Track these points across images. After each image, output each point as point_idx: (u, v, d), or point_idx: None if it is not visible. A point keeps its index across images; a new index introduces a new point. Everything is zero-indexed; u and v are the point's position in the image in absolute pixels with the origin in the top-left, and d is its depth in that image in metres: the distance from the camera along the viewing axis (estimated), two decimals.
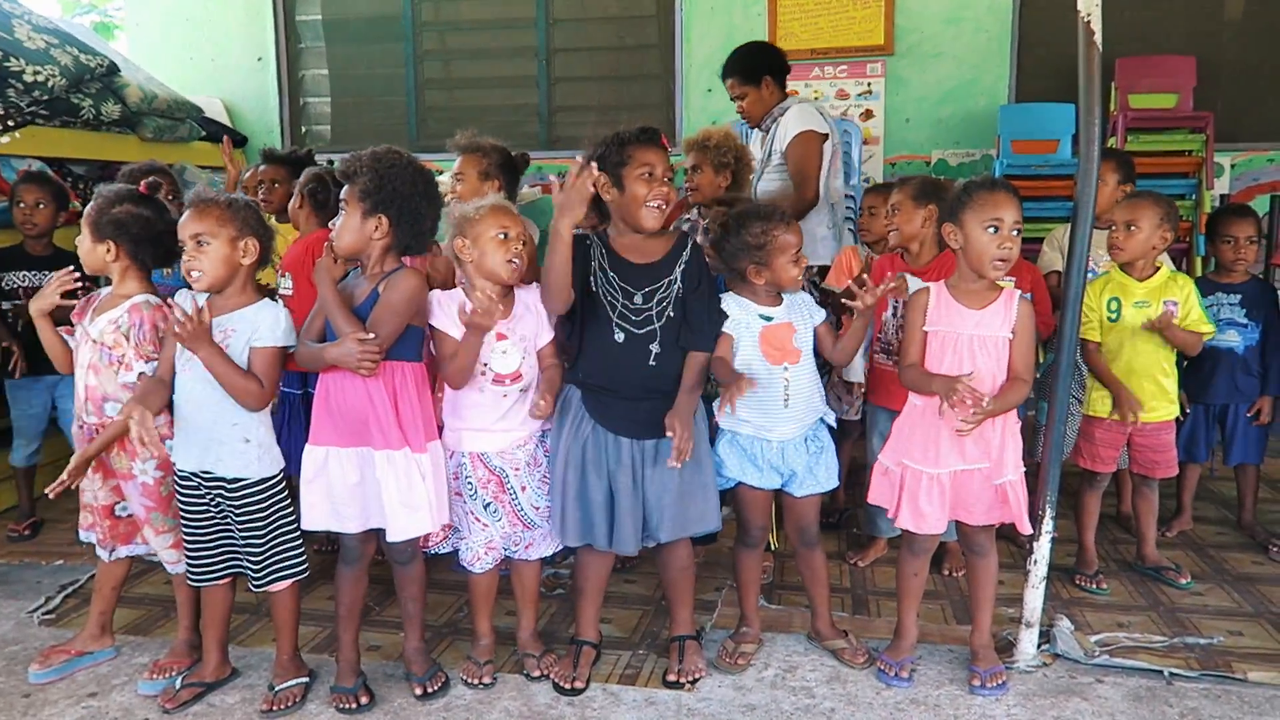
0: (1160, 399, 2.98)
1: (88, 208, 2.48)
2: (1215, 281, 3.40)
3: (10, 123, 3.41)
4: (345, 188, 2.34)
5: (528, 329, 2.45)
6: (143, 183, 2.53)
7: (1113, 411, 2.98)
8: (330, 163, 3.75)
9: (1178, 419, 3.09)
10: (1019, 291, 2.47)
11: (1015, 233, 2.33)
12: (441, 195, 3.15)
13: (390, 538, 2.35)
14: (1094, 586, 3.02)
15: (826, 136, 3.49)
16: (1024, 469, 2.44)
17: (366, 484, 2.33)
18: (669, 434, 2.31)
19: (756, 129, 3.75)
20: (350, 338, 2.23)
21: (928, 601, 2.86)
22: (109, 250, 2.44)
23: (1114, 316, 2.97)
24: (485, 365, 2.41)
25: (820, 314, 2.58)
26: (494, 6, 5.91)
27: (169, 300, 2.40)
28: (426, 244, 2.45)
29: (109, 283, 2.56)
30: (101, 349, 2.42)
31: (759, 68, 3.61)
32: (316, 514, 2.37)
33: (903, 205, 3.00)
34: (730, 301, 2.53)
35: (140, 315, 2.43)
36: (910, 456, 2.46)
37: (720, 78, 3.75)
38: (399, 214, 2.31)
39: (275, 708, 2.39)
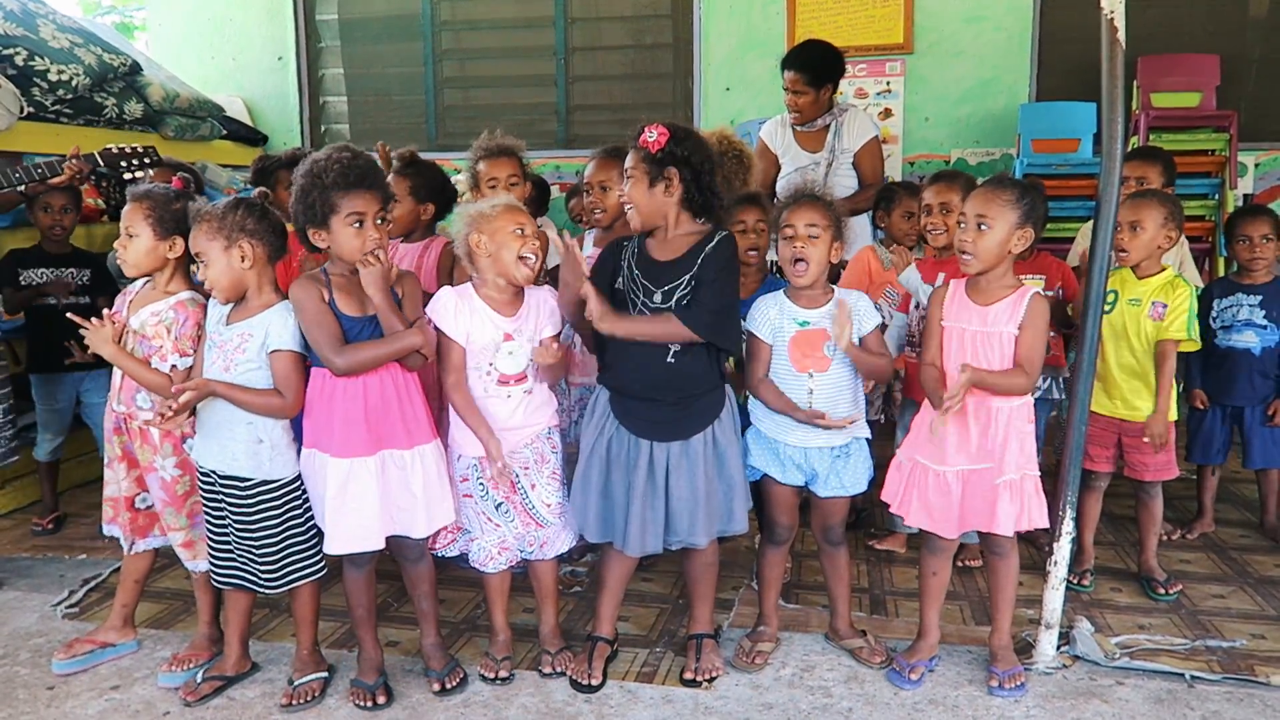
0: (1148, 399, 2.92)
1: (131, 207, 2.45)
2: (1236, 282, 3.37)
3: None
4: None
5: (535, 329, 2.44)
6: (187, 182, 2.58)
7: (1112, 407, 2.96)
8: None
9: (1183, 419, 3.05)
10: (1035, 290, 2.42)
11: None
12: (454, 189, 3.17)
13: (417, 534, 2.38)
14: (1077, 583, 2.99)
15: None
16: (1037, 470, 2.42)
17: (391, 489, 2.34)
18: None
19: (801, 125, 4.02)
20: (420, 326, 2.33)
21: (946, 602, 2.84)
22: (170, 246, 2.45)
23: (1108, 309, 2.91)
24: (491, 366, 2.41)
25: (871, 322, 2.46)
26: (512, 6, 5.91)
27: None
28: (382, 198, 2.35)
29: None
30: (140, 340, 2.45)
31: (825, 76, 3.94)
32: (343, 534, 2.32)
33: (955, 207, 2.89)
34: (769, 304, 2.50)
35: (186, 311, 2.45)
36: (920, 452, 2.46)
37: (781, 66, 3.96)
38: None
39: (295, 702, 2.41)
